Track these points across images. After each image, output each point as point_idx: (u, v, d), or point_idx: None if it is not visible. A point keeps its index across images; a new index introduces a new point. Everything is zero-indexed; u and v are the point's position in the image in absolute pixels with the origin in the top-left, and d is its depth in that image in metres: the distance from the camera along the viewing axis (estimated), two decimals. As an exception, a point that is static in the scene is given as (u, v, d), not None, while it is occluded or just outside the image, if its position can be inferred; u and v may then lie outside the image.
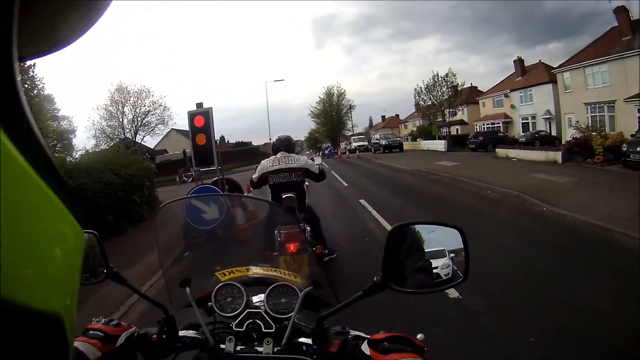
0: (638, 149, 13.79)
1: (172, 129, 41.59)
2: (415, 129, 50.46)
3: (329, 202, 11.30)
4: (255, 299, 1.25)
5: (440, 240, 0.98)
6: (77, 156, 18.74)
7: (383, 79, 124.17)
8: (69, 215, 0.33)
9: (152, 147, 42.07)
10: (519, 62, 37.26)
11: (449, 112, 38.64)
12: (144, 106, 37.84)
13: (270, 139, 7.82)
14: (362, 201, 10.91)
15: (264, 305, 1.17)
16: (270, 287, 1.20)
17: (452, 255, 0.98)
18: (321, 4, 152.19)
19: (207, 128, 6.66)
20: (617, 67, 23.80)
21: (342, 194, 13.05)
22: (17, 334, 0.26)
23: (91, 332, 1.03)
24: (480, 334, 3.70)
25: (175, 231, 1.52)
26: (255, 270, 1.38)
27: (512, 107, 36.10)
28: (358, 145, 44.64)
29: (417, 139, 42.65)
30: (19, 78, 0.28)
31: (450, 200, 10.68)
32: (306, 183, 4.94)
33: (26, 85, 20.94)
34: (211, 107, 6.83)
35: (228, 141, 57.27)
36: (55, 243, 0.31)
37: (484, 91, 42.57)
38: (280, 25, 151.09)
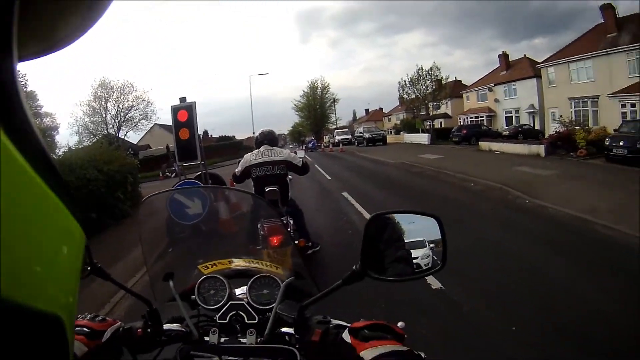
0: (621, 143, 14.04)
1: (155, 124, 40.96)
2: (398, 122, 50.46)
3: (312, 195, 11.29)
4: (238, 291, 1.25)
5: (420, 231, 0.99)
6: (60, 153, 18.46)
7: (368, 73, 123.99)
8: (69, 215, 0.33)
9: (135, 143, 41.51)
10: (504, 56, 37.54)
11: (432, 105, 38.84)
12: (127, 101, 37.39)
13: (253, 133, 7.77)
14: (345, 194, 10.92)
15: (246, 297, 1.18)
16: (252, 279, 1.21)
17: (432, 245, 0.99)
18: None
19: (191, 122, 6.62)
20: (602, 63, 24.21)
21: (325, 187, 13.04)
22: (17, 334, 0.26)
23: (77, 328, 1.03)
24: (463, 324, 3.75)
25: (159, 225, 1.52)
26: (238, 263, 1.38)
27: (496, 101, 36.41)
28: (341, 139, 44.41)
29: (401, 132, 42.62)
30: (19, 78, 0.28)
31: (434, 193, 10.76)
32: (289, 176, 4.95)
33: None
34: (194, 102, 6.78)
35: (211, 135, 56.69)
36: (56, 243, 0.31)
37: (469, 85, 42.82)
38: (266, 18, 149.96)
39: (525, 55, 36.57)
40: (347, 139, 44.96)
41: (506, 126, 33.14)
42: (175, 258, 1.56)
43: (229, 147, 44.84)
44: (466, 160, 17.21)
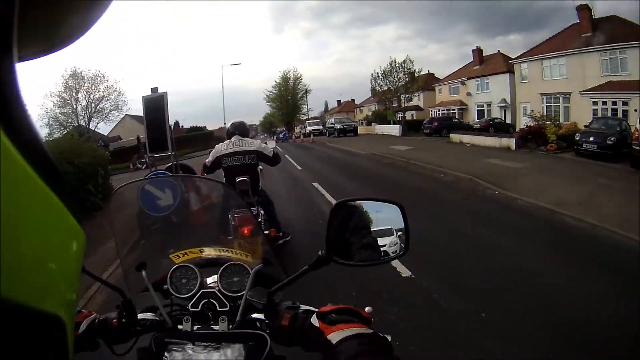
0: (591, 139, 14.52)
1: (126, 114, 39.70)
2: (370, 113, 50.45)
3: (283, 185, 11.30)
4: (209, 279, 1.27)
5: (387, 220, 1.04)
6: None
7: (341, 64, 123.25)
8: (69, 215, 0.33)
9: (105, 134, 40.14)
10: (478, 51, 37.84)
11: (404, 97, 39.06)
12: (99, 92, 36.21)
13: (225, 124, 7.70)
14: (316, 184, 10.99)
15: (217, 285, 1.20)
16: (222, 267, 1.23)
17: (399, 233, 1.03)
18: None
19: (162, 113, 6.53)
20: (575, 61, 24.83)
21: (296, 178, 13.06)
22: (17, 334, 0.26)
23: None
24: (433, 311, 3.86)
25: (130, 216, 1.53)
26: (209, 252, 1.38)
27: (468, 94, 36.85)
28: (313, 129, 44.16)
29: (372, 124, 42.58)
30: (19, 78, 0.28)
31: (404, 183, 10.94)
32: (260, 167, 4.97)
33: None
34: (166, 92, 6.67)
35: (182, 126, 55.45)
36: (56, 243, 0.31)
37: (442, 78, 43.12)
38: (239, 8, 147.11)
39: (499, 50, 37.03)
40: (319, 129, 44.74)
41: (477, 119, 33.55)
42: (147, 248, 1.56)
43: (200, 138, 43.89)
44: (437, 152, 17.38)
